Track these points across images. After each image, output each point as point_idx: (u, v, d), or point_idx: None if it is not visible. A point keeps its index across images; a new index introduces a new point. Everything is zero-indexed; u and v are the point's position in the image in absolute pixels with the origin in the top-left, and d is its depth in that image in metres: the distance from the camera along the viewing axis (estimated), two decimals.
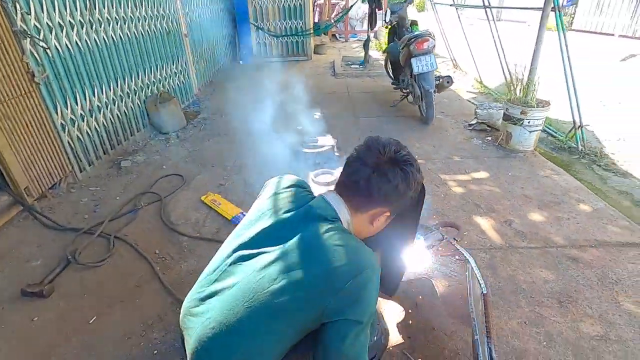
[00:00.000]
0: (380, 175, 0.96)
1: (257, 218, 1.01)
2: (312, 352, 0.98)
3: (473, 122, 3.64)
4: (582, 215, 2.29)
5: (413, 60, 3.39)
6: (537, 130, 2.97)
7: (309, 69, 6.66)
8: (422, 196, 1.13)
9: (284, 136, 3.61)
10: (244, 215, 2.24)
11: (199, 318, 0.96)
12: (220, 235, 2.20)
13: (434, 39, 3.47)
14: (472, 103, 4.40)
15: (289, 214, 0.97)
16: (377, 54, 7.63)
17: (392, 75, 4.73)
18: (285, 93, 5.04)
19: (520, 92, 2.99)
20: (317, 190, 2.39)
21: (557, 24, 2.99)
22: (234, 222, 2.28)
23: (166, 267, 1.97)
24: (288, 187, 1.07)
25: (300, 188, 1.08)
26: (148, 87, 3.87)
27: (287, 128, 3.81)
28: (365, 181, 0.97)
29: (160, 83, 4.13)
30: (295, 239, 0.92)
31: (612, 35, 9.68)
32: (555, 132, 3.56)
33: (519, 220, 2.25)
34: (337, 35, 10.24)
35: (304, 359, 1.01)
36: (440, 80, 3.50)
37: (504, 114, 3.08)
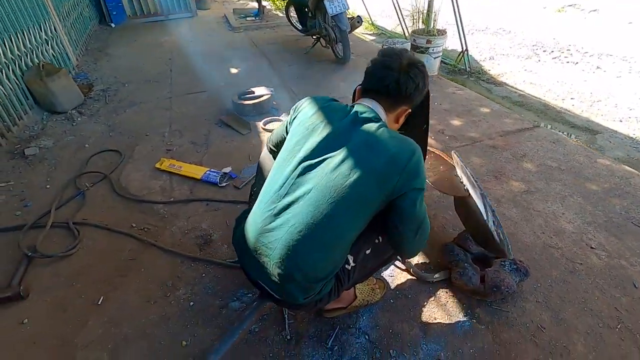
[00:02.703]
0: (406, 76, 1.15)
1: (309, 133, 1.11)
2: (373, 236, 1.19)
3: None
4: (487, 116, 2.90)
5: (326, 3, 3.52)
6: (439, 57, 3.50)
7: (199, 26, 6.17)
8: (428, 95, 1.37)
9: (212, 94, 3.47)
10: (214, 171, 2.22)
11: (281, 229, 1.07)
12: (198, 194, 2.15)
13: None
14: (375, 43, 4.79)
15: (339, 122, 1.10)
16: (269, 4, 7.43)
17: (297, 22, 4.77)
18: (187, 54, 4.68)
19: (422, 23, 3.43)
20: (265, 137, 2.47)
21: None
22: (206, 180, 2.24)
23: (154, 235, 1.88)
24: (327, 102, 1.18)
25: (336, 101, 1.20)
26: (14, 62, 3.12)
27: (211, 86, 3.64)
28: (395, 83, 1.15)
29: (31, 54, 3.40)
30: (354, 140, 1.07)
31: None
32: (446, 59, 4.21)
33: (447, 128, 2.74)
34: None
35: (367, 241, 1.22)
36: (352, 20, 3.73)
37: (411, 45, 3.52)
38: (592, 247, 1.71)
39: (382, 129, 1.09)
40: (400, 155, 1.05)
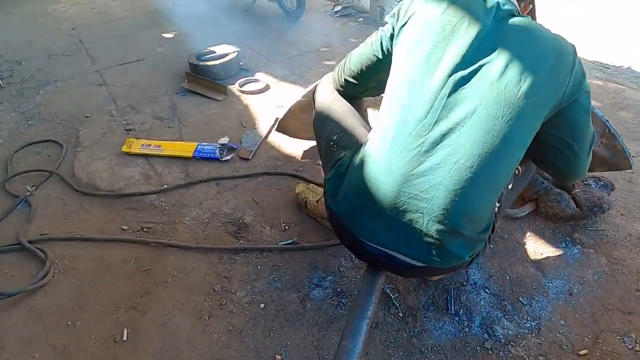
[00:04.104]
0: None
1: (447, 34, 0.81)
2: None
3: (338, 9, 3.72)
4: None
5: None
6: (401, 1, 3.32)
7: None
8: None
9: (153, 61, 2.81)
10: (207, 145, 1.76)
11: (440, 169, 0.78)
12: (197, 175, 1.68)
13: None
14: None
15: (485, 17, 0.82)
16: None
17: None
18: (93, 22, 3.77)
19: None
20: (247, 100, 2.07)
21: None
22: (201, 156, 1.75)
23: (164, 233, 1.40)
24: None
25: None
26: None
27: (147, 54, 2.96)
28: None
29: None
30: (510, 37, 0.80)
31: None
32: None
33: None
34: None
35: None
36: None
37: None
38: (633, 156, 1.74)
39: (533, 22, 0.85)
40: (567, 53, 0.82)
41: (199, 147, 1.79)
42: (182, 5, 4.16)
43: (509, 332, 1.09)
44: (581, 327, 1.10)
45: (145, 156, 1.79)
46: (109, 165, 1.74)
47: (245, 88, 2.38)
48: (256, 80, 2.47)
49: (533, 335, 1.08)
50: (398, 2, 3.16)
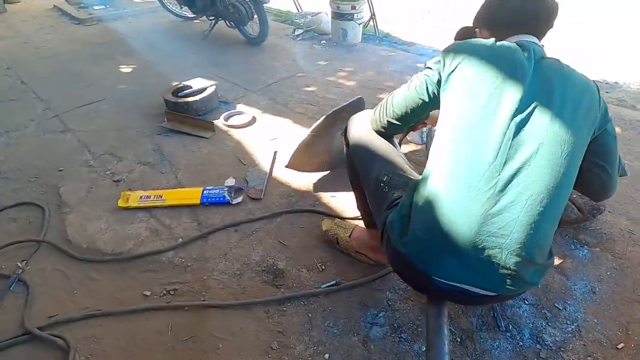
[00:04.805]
0: (549, 1, 1.02)
1: (502, 81, 0.89)
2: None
3: (299, 32, 3.77)
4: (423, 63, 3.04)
5: None
6: (363, 22, 3.47)
7: (23, 24, 4.54)
8: None
9: (116, 101, 2.62)
10: (213, 189, 1.69)
11: (514, 206, 0.85)
12: (210, 222, 1.59)
13: None
14: (279, 22, 4.42)
15: (529, 63, 0.91)
16: None
17: (178, 5, 4.02)
18: (32, 59, 3.43)
19: None
20: (237, 134, 2.05)
21: None
22: (210, 202, 1.67)
23: (192, 295, 1.31)
24: (491, 44, 0.95)
25: (495, 45, 0.97)
26: None
27: (107, 92, 2.76)
28: (545, 10, 1.01)
29: None
30: (552, 80, 0.90)
31: None
32: None
33: (400, 83, 2.75)
34: None
35: None
36: None
37: (335, 14, 3.37)
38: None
39: (561, 62, 0.96)
40: (592, 86, 0.95)
41: (205, 192, 1.70)
42: (131, 37, 3.95)
43: (557, 339, 1.18)
44: (612, 323, 1.23)
45: (146, 209, 1.66)
46: (108, 225, 1.59)
47: (231, 122, 2.32)
48: (240, 113, 2.41)
49: (576, 338, 1.19)
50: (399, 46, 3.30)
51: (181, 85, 2.50)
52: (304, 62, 3.25)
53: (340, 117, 1.72)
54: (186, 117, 2.26)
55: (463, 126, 0.91)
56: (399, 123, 1.11)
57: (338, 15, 3.37)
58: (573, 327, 1.21)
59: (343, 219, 1.60)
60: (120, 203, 1.67)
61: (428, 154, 0.99)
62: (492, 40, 0.97)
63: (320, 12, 3.80)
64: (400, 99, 1.08)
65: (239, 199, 1.70)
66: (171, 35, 4.02)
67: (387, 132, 1.16)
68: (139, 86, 2.84)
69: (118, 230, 1.57)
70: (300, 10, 4.45)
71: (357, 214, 1.60)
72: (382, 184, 1.09)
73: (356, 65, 3.17)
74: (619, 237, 1.51)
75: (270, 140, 2.15)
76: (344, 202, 1.70)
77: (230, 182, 1.76)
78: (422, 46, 3.86)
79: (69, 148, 2.12)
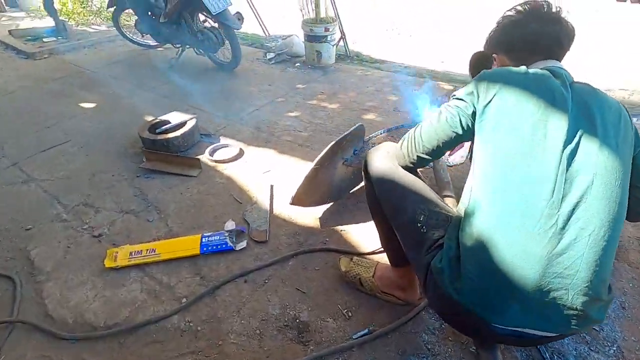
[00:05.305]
0: (567, 24, 1.02)
1: (544, 112, 0.85)
2: None
3: (271, 56, 3.70)
4: (400, 81, 3.08)
5: (205, 0, 2.89)
6: (336, 44, 3.46)
7: None
8: None
9: (84, 141, 2.40)
10: (213, 235, 1.55)
11: (578, 244, 0.81)
12: (213, 275, 1.43)
13: None
14: (248, 46, 4.31)
15: (565, 90, 0.88)
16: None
17: (139, 33, 3.83)
18: None
19: (313, 12, 3.30)
20: (226, 170, 1.92)
21: None
22: (211, 251, 1.51)
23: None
24: (524, 72, 0.92)
25: (529, 73, 0.94)
26: None
27: (71, 133, 2.52)
28: (565, 34, 1.01)
29: None
30: (589, 105, 0.88)
31: None
32: None
33: (383, 103, 2.76)
34: None
35: None
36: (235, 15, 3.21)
37: (308, 36, 3.34)
38: None
39: (594, 87, 0.94)
40: (622, 107, 0.94)
41: (204, 239, 1.55)
42: (90, 69, 3.69)
43: None
44: None
45: (139, 266, 1.47)
46: (96, 291, 1.38)
47: (217, 156, 2.17)
48: (225, 146, 2.28)
49: (619, 359, 1.16)
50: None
51: (158, 120, 2.32)
52: (280, 86, 3.17)
53: (341, 147, 1.65)
54: (168, 155, 2.09)
55: (508, 161, 0.85)
56: (430, 157, 1.05)
57: (311, 38, 3.33)
58: (614, 348, 1.18)
59: (360, 255, 1.50)
60: (107, 263, 1.47)
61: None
62: (523, 68, 0.94)
63: (291, 35, 3.76)
64: (431, 132, 1.01)
65: (243, 244, 1.55)
66: (134, 65, 3.80)
67: (416, 166, 1.09)
68: (106, 123, 2.61)
69: (108, 296, 1.36)
70: (268, 34, 4.40)
71: (373, 247, 1.52)
72: (419, 224, 1.01)
73: (335, 86, 3.13)
74: (629, 246, 1.53)
75: (263, 173, 2.02)
76: (356, 236, 1.61)
77: (230, 225, 1.62)
78: (394, 63, 3.90)
79: (35, 201, 1.87)
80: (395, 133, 2.15)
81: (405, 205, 1.05)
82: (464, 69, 3.73)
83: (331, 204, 1.78)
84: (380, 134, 1.92)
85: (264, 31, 4.46)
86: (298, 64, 3.61)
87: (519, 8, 1.06)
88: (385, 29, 5.16)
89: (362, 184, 1.90)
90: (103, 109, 2.85)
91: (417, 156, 1.05)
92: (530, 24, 1.02)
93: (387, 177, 1.10)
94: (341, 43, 3.89)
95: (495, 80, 0.92)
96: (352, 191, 1.86)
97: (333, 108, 2.74)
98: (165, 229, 1.67)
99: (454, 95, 1.00)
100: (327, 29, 3.26)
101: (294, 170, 2.02)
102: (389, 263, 1.31)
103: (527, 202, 0.82)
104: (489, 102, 0.91)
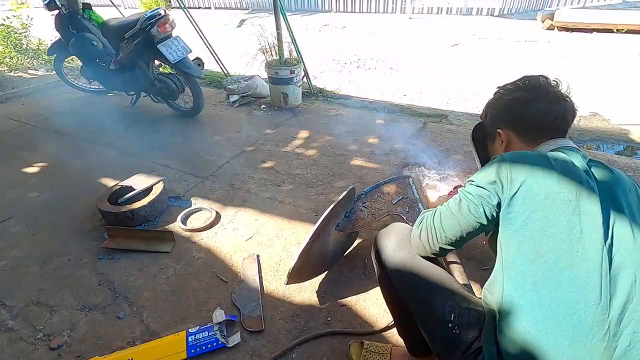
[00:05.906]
0: (570, 100, 1.01)
1: (575, 204, 0.80)
2: None
3: (235, 98, 3.56)
4: (371, 119, 3.07)
5: (162, 48, 2.71)
6: (301, 84, 3.41)
7: None
8: None
9: (29, 217, 2.09)
10: (199, 331, 1.38)
11: (632, 352, 0.77)
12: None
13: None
14: (208, 87, 4.14)
15: (588, 176, 0.85)
16: None
17: (87, 79, 3.54)
18: None
19: (276, 54, 3.23)
20: (203, 240, 1.75)
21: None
22: (201, 351, 1.31)
23: None
24: (543, 155, 0.88)
25: (551, 156, 0.90)
26: None
27: (13, 206, 2.19)
28: (570, 114, 1.00)
29: None
30: (613, 188, 0.86)
31: None
32: None
33: (361, 146, 2.71)
34: None
35: None
36: (195, 62, 3.05)
37: (273, 79, 3.26)
38: None
39: (607, 166, 0.93)
40: (635, 184, 0.93)
41: (189, 338, 1.34)
42: (30, 123, 3.32)
43: None
44: None
45: None
46: None
47: (191, 225, 1.97)
48: (198, 209, 2.08)
49: None
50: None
51: (118, 187, 2.08)
52: (248, 132, 3.03)
53: (335, 213, 1.54)
54: (135, 230, 1.85)
55: (548, 261, 0.79)
56: (452, 247, 0.97)
57: (277, 81, 3.26)
58: None
59: (371, 334, 1.38)
60: None
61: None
62: (542, 151, 0.90)
63: (253, 76, 3.66)
64: (454, 223, 0.93)
65: (236, 338, 1.36)
66: (82, 115, 3.48)
67: (438, 257, 1.01)
68: (56, 191, 2.31)
69: None
70: (227, 73, 4.27)
71: (380, 319, 1.42)
72: (450, 325, 0.92)
73: (307, 129, 3.05)
74: None
75: (246, 240, 1.85)
76: (361, 309, 1.48)
77: (220, 316, 1.42)
78: (358, 98, 3.94)
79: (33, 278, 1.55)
80: (386, 187, 2.08)
81: (432, 302, 0.95)
82: (425, 102, 3.87)
83: (325, 273, 1.65)
84: (369, 191, 1.84)
85: (223, 71, 4.33)
86: (264, 107, 3.51)
87: (520, 84, 1.04)
88: (342, 66, 5.25)
89: (355, 244, 1.81)
90: (50, 174, 2.53)
91: (440, 247, 0.97)
92: (538, 104, 0.99)
93: (408, 269, 1.00)
94: (304, 80, 3.87)
95: (519, 168, 0.86)
96: (344, 254, 1.74)
97: (309, 155, 2.64)
98: (141, 326, 1.44)
99: (472, 182, 0.94)
100: (292, 72, 3.21)
101: (279, 233, 1.88)
102: (404, 346, 1.20)
103: (575, 309, 0.75)
104: (516, 192, 0.85)
